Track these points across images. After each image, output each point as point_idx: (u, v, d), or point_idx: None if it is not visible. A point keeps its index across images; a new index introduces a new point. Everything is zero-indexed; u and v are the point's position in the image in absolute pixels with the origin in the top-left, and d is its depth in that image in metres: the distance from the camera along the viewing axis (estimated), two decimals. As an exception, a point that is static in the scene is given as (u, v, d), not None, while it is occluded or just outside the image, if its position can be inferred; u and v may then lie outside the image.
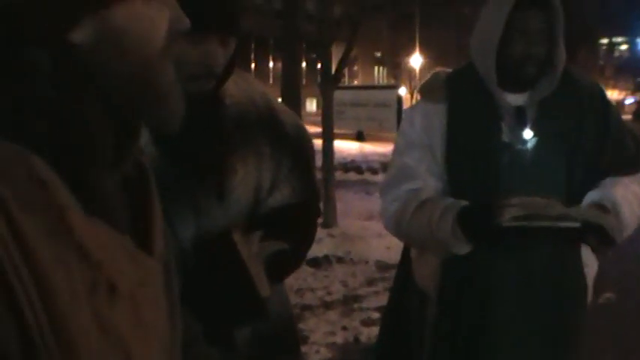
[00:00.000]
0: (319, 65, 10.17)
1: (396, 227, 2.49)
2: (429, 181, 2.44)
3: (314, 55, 33.82)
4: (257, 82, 2.03)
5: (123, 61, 0.92)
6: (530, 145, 2.38)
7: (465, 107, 2.45)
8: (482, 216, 2.28)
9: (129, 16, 0.92)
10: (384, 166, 16.06)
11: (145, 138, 1.65)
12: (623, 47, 47.96)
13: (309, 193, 2.01)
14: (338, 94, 11.39)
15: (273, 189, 1.92)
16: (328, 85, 9.71)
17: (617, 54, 48.45)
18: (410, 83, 39.63)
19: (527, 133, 2.39)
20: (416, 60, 36.56)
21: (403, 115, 2.63)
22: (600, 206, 2.33)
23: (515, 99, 2.43)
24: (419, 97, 2.62)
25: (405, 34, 32.09)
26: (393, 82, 43.21)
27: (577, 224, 2.24)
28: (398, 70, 43.35)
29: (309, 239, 2.04)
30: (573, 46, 38.69)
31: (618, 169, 2.48)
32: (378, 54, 47.75)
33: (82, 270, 0.84)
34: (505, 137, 2.40)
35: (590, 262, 2.55)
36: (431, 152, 2.44)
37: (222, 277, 1.74)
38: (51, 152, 0.85)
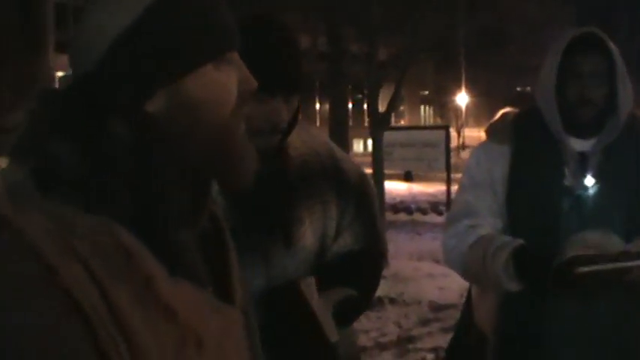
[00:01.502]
0: (365, 106, 10.27)
1: (454, 261, 2.52)
2: (488, 219, 2.47)
3: (360, 96, 34.04)
4: (319, 133, 2.14)
5: (198, 127, 0.98)
6: (591, 191, 2.39)
7: (529, 150, 2.47)
8: (538, 257, 2.30)
9: (201, 85, 0.98)
10: (434, 206, 15.98)
11: (214, 190, 1.73)
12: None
13: (373, 238, 2.07)
14: (387, 135, 11.43)
15: (338, 236, 1.99)
16: (378, 126, 9.79)
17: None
18: (457, 122, 39.56)
19: (589, 180, 2.39)
20: (462, 98, 36.55)
21: (470, 154, 2.70)
22: None
23: (580, 145, 2.44)
24: (485, 137, 2.66)
25: (451, 73, 32.17)
26: (439, 120, 43.19)
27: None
28: (444, 109, 43.33)
29: (374, 283, 2.11)
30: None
31: None
32: (425, 93, 47.84)
33: (169, 330, 0.89)
34: (567, 182, 2.41)
35: None
36: (492, 191, 2.48)
37: (292, 325, 1.80)
38: (133, 219, 0.91)
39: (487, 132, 2.64)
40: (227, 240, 1.11)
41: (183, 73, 0.97)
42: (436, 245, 2.40)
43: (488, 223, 2.47)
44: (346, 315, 1.95)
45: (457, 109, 39.53)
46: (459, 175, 3.05)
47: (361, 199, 2.04)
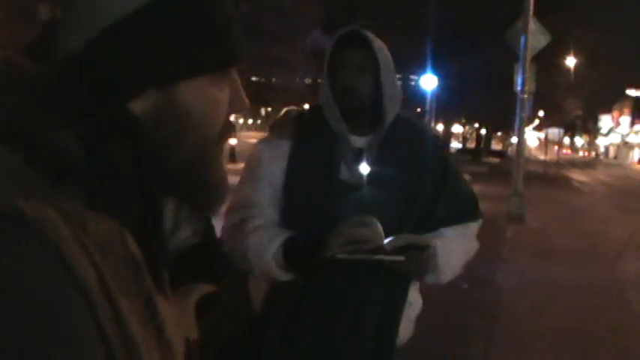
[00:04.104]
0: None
1: (231, 250, 2.51)
2: (265, 211, 2.53)
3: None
4: None
5: (183, 140, 0.90)
6: (365, 184, 2.49)
7: (307, 145, 2.55)
8: (307, 247, 2.41)
9: (194, 96, 0.90)
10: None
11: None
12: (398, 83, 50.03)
13: (210, 232, 2.05)
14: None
15: (176, 229, 1.93)
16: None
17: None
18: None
19: (363, 171, 2.49)
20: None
21: (253, 148, 2.74)
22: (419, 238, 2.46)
23: (357, 141, 2.54)
24: (269, 132, 2.74)
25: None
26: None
27: (401, 258, 2.37)
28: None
29: (223, 276, 2.09)
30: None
31: (452, 218, 2.60)
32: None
33: (157, 349, 0.83)
34: (342, 176, 2.51)
35: (415, 300, 2.67)
36: (271, 184, 2.53)
37: None
38: (133, 226, 0.83)
39: (271, 128, 2.73)
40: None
41: (178, 78, 0.89)
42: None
43: (266, 214, 2.52)
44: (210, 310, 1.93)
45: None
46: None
47: None
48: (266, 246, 2.44)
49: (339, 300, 2.50)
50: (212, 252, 2.04)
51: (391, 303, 2.57)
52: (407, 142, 2.59)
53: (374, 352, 2.53)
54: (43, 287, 0.72)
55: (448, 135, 45.28)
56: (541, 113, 55.46)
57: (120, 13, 0.86)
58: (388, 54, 2.53)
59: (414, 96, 26.61)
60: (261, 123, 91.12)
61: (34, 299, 0.71)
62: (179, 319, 0.95)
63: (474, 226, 2.71)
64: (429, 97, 21.63)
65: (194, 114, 0.90)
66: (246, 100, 0.98)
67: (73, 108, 0.84)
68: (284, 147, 2.55)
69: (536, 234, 14.72)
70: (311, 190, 2.51)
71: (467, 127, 67.73)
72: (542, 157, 60.40)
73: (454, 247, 2.58)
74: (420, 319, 2.73)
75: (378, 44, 2.50)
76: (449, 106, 31.79)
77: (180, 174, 0.92)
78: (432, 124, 22.21)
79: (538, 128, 76.86)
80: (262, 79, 37.24)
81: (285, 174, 2.53)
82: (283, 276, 2.46)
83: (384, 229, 2.36)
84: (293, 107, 2.75)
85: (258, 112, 79.93)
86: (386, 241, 2.36)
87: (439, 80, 22.58)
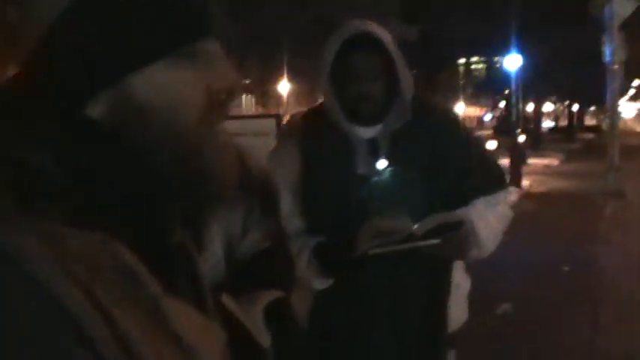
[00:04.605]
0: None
1: None
2: (291, 221, 2.48)
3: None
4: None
5: (150, 134, 0.82)
6: (385, 175, 2.44)
7: (318, 146, 2.50)
8: (336, 249, 2.38)
9: (149, 88, 0.81)
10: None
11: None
12: (481, 66, 49.59)
13: (280, 236, 2.02)
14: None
15: (245, 233, 1.91)
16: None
17: (476, 73, 50.17)
18: (278, 110, 39.85)
19: (381, 164, 2.44)
20: (284, 87, 36.86)
21: (268, 157, 2.69)
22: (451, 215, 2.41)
23: (367, 132, 2.48)
24: (278, 140, 2.71)
25: (273, 61, 32.35)
26: (261, 109, 43.39)
27: (437, 241, 2.31)
28: (266, 97, 43.54)
29: (292, 281, 2.03)
30: (435, 69, 39.97)
31: (479, 191, 2.55)
32: (246, 81, 47.78)
33: (175, 356, 0.79)
34: (360, 170, 2.46)
35: (462, 282, 2.66)
36: (291, 192, 2.49)
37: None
38: (124, 232, 0.78)
39: (278, 135, 2.71)
40: (192, 249, 0.97)
41: (124, 72, 0.80)
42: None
43: (291, 224, 2.47)
44: (280, 317, 1.82)
45: (279, 98, 39.81)
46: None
47: (266, 194, 1.98)
48: (296, 258, 2.38)
49: (373, 297, 2.48)
50: (281, 256, 2.02)
51: (435, 290, 2.56)
52: (421, 125, 2.51)
53: (423, 343, 2.52)
54: (18, 311, 0.69)
55: (538, 114, 44.42)
56: (636, 82, 53.90)
57: (58, 9, 0.80)
58: (394, 43, 2.46)
59: (498, 78, 26.17)
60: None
61: (10, 322, 0.68)
62: (209, 325, 0.89)
63: (502, 195, 2.65)
64: (513, 77, 21.16)
65: (154, 106, 0.82)
66: (231, 73, 0.87)
67: (33, 121, 0.79)
68: (295, 152, 2.51)
69: (637, 209, 14.20)
70: (331, 189, 2.47)
71: (557, 105, 66.33)
72: (639, 128, 58.57)
73: (489, 217, 2.53)
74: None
75: (388, 40, 2.43)
76: (536, 85, 31.20)
77: (162, 170, 0.83)
78: (520, 105, 21.72)
79: (634, 99, 74.56)
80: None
81: (301, 178, 2.49)
82: (322, 283, 2.45)
83: (411, 216, 2.33)
84: (300, 111, 2.74)
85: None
86: (415, 226, 2.32)
87: (524, 60, 22.07)
